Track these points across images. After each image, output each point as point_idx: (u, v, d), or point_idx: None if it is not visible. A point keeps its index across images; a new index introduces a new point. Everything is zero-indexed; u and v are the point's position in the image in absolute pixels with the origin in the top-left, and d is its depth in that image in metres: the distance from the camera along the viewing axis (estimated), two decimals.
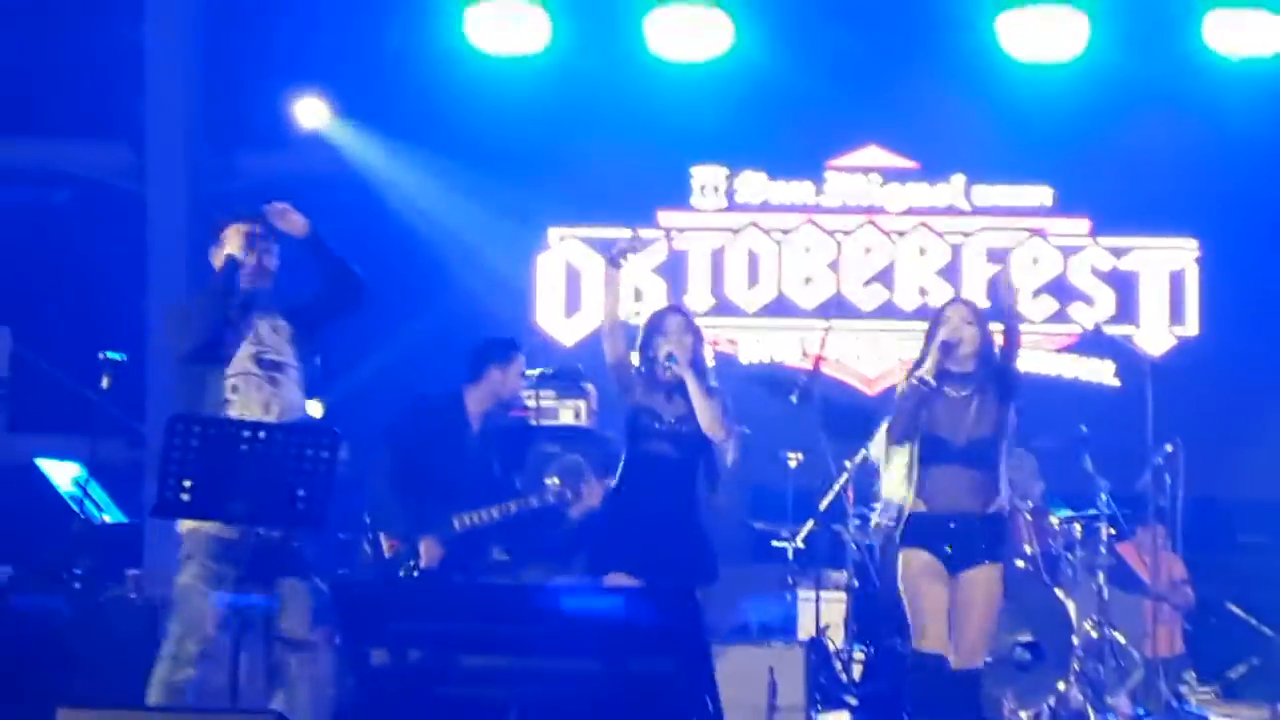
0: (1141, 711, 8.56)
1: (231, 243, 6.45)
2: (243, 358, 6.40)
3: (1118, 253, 10.96)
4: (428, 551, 7.41)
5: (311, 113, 10.67)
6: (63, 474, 9.11)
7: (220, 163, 10.85)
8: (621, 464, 7.06)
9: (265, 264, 6.51)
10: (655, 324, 7.11)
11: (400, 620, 5.61)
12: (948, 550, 6.68)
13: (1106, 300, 10.91)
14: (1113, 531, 8.89)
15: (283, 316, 6.57)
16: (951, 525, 6.69)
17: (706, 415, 6.89)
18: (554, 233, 11.19)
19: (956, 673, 6.67)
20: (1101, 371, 10.82)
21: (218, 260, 6.47)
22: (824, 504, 8.76)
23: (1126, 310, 10.89)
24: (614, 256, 7.06)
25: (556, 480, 7.59)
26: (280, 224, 6.57)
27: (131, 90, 10.55)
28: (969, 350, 6.74)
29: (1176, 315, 10.85)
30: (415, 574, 7.35)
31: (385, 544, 7.49)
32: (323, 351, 9.50)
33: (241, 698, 5.94)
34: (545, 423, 8.75)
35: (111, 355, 9.23)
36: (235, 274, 6.42)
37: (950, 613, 6.71)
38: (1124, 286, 10.93)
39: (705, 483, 7.01)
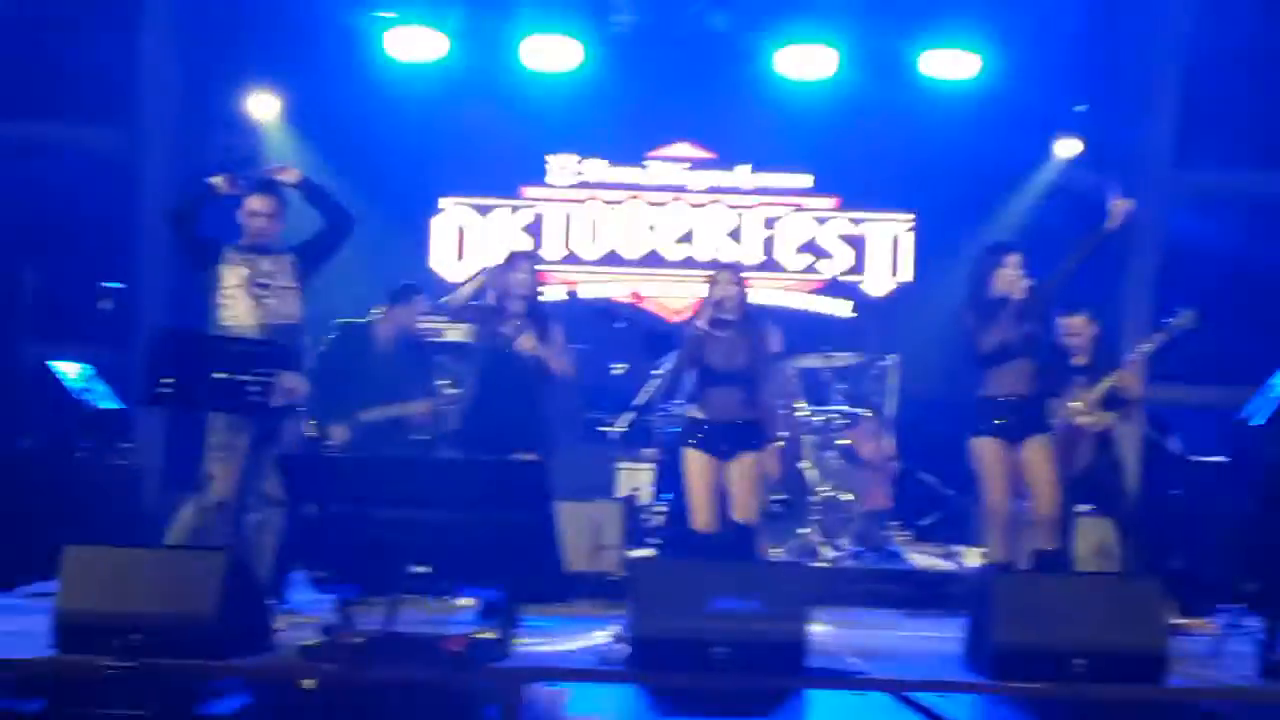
0: (860, 548, 8.78)
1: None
2: (238, 281, 6.42)
3: (856, 222, 11.15)
4: (337, 434, 7.41)
5: (263, 105, 10.50)
6: (72, 372, 8.98)
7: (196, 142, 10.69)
8: (482, 370, 7.09)
9: (269, 223, 6.52)
10: (509, 263, 7.09)
11: (327, 483, 5.66)
12: (723, 447, 6.79)
13: (847, 256, 11.12)
14: (844, 420, 9.11)
15: (289, 252, 6.59)
16: (723, 429, 6.81)
17: (552, 358, 6.93)
18: (444, 201, 11.13)
19: (738, 529, 6.79)
20: (842, 307, 11.07)
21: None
22: (639, 400, 8.87)
23: (861, 263, 11.12)
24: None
25: (446, 383, 7.55)
26: (280, 177, 6.57)
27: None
28: (733, 304, 6.85)
29: (896, 267, 11.10)
30: (329, 449, 7.35)
31: (310, 428, 7.48)
32: None
33: None
34: (439, 340, 8.68)
35: (111, 285, 9.09)
36: (207, 188, 6.46)
37: (726, 488, 6.83)
38: (859, 246, 11.14)
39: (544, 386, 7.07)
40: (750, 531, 6.86)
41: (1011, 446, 6.79)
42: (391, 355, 7.63)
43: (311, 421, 7.31)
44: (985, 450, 6.81)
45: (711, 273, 7.05)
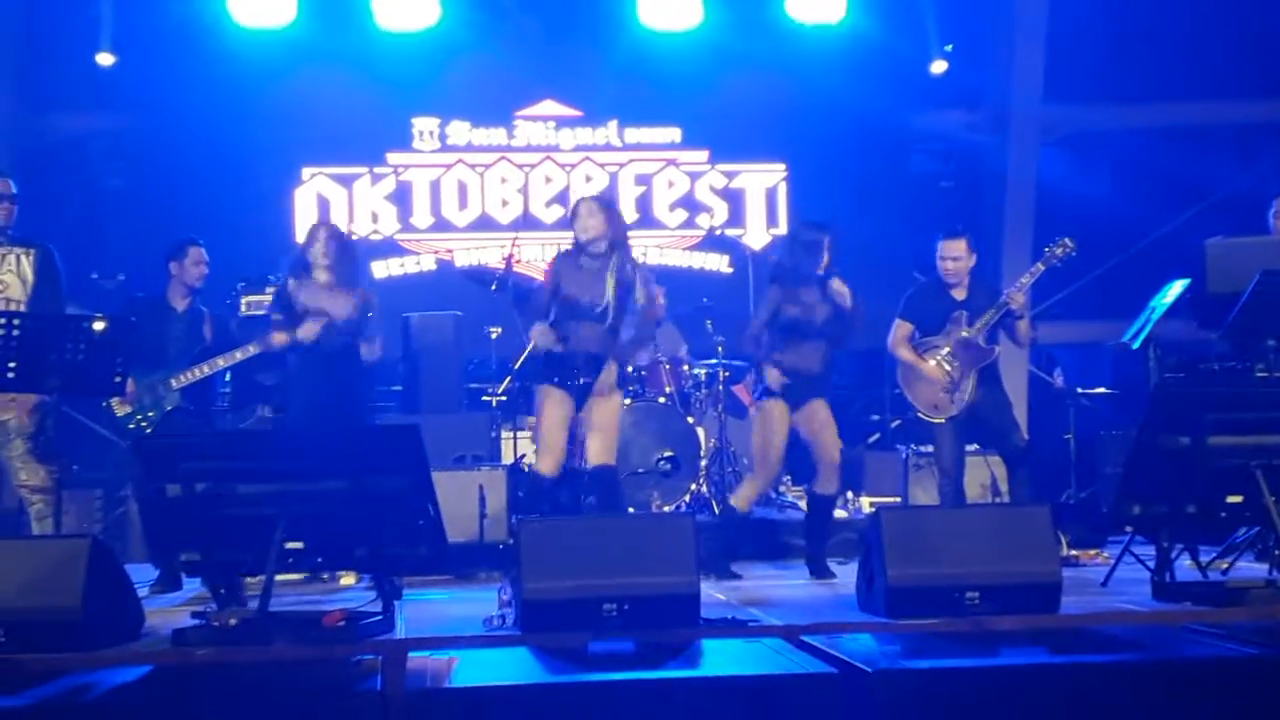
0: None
1: None
2: None
3: (730, 175, 11.18)
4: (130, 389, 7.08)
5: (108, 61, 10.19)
6: None
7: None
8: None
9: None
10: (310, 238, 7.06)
11: (188, 462, 5.45)
12: (580, 383, 6.69)
13: (721, 210, 11.12)
14: (727, 375, 9.10)
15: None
16: (581, 366, 6.70)
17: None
18: (307, 171, 10.92)
19: (596, 470, 6.81)
20: (719, 262, 11.07)
21: None
22: (517, 364, 8.76)
23: (736, 217, 11.13)
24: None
25: (251, 347, 7.29)
26: None
27: None
28: (596, 234, 6.74)
29: (771, 219, 11.13)
30: (146, 420, 7.17)
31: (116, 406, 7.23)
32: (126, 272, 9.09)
33: None
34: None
35: None
36: None
37: (584, 429, 6.85)
38: (734, 200, 11.17)
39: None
40: (613, 473, 6.85)
41: (793, 408, 7.03)
42: (186, 315, 7.40)
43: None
44: (771, 411, 7.00)
45: (574, 205, 6.94)
